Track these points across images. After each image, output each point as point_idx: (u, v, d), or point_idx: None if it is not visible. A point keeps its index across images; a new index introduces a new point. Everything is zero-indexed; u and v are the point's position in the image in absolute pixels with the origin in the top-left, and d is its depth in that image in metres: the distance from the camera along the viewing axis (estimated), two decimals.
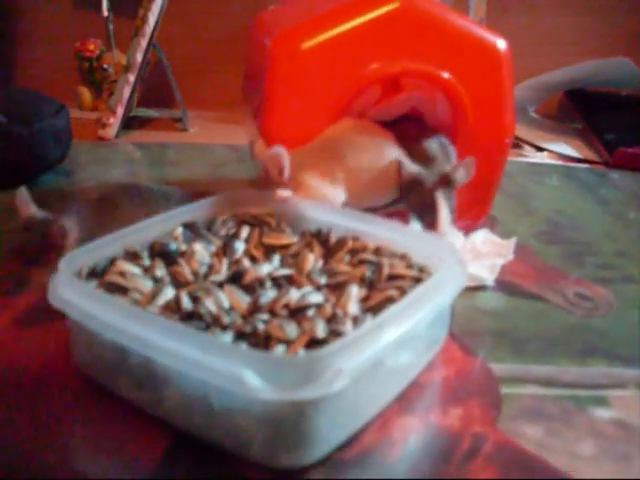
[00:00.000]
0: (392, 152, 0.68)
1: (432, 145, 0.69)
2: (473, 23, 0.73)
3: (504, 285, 0.70)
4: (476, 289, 0.69)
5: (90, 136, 1.20)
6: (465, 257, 0.72)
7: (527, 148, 1.22)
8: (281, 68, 0.69)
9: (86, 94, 1.42)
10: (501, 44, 0.72)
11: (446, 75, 0.70)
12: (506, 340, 0.61)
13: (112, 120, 1.22)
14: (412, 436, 0.49)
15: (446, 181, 0.67)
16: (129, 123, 1.27)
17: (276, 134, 0.69)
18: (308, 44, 0.68)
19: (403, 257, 0.57)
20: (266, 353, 0.44)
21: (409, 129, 0.71)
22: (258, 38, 0.79)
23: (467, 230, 0.76)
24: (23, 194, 0.73)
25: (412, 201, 0.69)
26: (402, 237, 0.59)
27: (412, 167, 0.68)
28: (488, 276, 0.70)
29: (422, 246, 0.58)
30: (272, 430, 0.43)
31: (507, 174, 0.98)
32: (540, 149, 1.22)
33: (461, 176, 0.68)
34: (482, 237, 0.76)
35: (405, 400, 0.52)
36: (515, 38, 1.42)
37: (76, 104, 1.41)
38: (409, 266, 0.55)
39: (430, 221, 0.68)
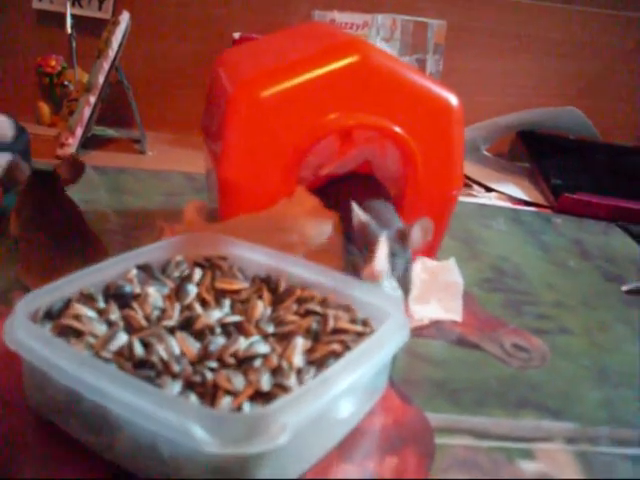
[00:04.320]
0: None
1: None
2: (428, 79, 0.76)
3: (446, 333, 0.73)
4: (418, 336, 0.71)
5: (48, 153, 1.21)
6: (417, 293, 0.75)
7: (476, 188, 1.25)
8: (241, 116, 0.71)
9: (45, 109, 1.43)
10: (453, 100, 0.75)
11: (398, 129, 0.73)
12: (444, 390, 0.64)
13: (71, 140, 1.23)
14: None
15: (401, 236, 0.68)
16: (87, 141, 1.28)
17: (235, 181, 0.72)
18: (268, 92, 0.71)
19: (348, 309, 0.59)
20: (213, 409, 0.47)
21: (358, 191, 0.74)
22: (220, 80, 0.81)
23: None
24: None
25: (358, 245, 0.69)
26: (348, 288, 0.62)
27: (364, 216, 0.68)
28: (452, 315, 0.74)
29: (367, 298, 0.61)
30: (218, 478, 0.46)
31: (455, 216, 1.01)
32: (489, 189, 1.26)
33: (417, 236, 0.68)
34: (420, 266, 0.79)
35: (345, 447, 0.54)
36: (470, 79, 1.48)
37: (34, 118, 1.41)
38: (353, 320, 0.58)
39: (366, 266, 0.66)
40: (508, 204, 1.21)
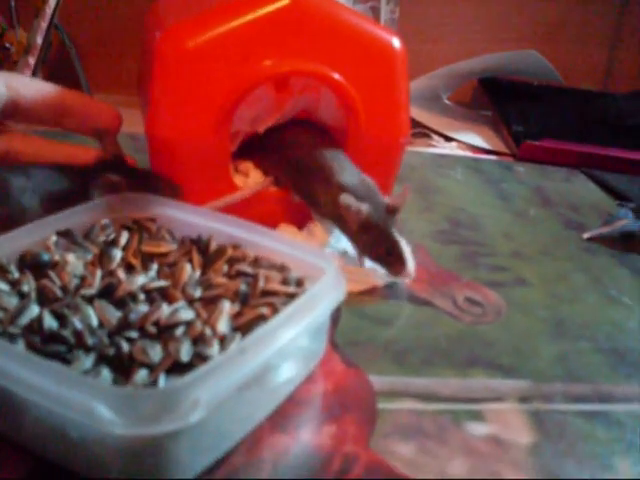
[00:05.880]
0: None
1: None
2: (368, 21, 0.71)
3: (395, 291, 0.69)
4: (364, 294, 0.68)
5: None
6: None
7: (436, 138, 1.21)
8: (166, 67, 0.66)
9: None
10: (396, 43, 0.71)
11: (337, 75, 0.68)
12: (390, 350, 0.60)
13: None
14: (282, 456, 0.48)
15: (392, 213, 0.66)
16: None
17: (163, 138, 0.67)
18: (194, 41, 0.66)
19: (282, 269, 0.55)
20: (122, 386, 0.43)
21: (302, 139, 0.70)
22: (150, 31, 0.76)
23: None
24: None
25: (366, 248, 0.67)
26: (283, 246, 0.58)
27: (358, 205, 0.64)
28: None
29: (303, 256, 0.56)
30: (130, 460, 0.42)
31: (411, 166, 0.98)
32: (449, 139, 1.22)
33: (402, 204, 0.67)
34: None
35: (278, 417, 0.51)
36: (429, 25, 1.43)
37: None
38: (285, 280, 0.53)
39: (396, 266, 0.66)
40: (468, 153, 1.17)
